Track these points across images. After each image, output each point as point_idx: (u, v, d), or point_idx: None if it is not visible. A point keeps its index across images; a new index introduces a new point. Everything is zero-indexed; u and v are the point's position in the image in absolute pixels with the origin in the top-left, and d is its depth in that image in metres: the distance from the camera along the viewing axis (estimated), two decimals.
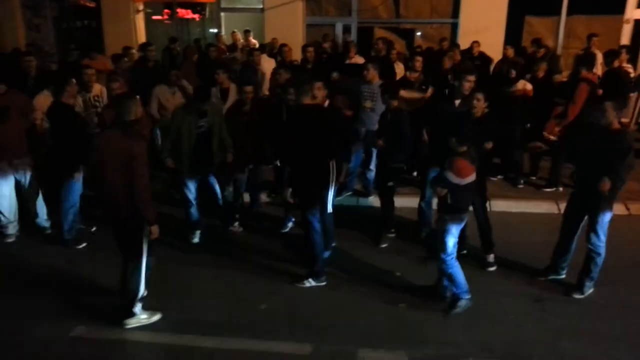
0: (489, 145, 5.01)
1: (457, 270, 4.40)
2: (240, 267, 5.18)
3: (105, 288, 4.70)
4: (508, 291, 4.76)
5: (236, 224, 5.95)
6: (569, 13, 10.44)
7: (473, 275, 4.98)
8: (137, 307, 4.19)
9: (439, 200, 4.45)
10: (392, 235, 5.78)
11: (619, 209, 6.43)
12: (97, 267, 5.09)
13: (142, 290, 4.18)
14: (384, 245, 5.62)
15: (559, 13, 10.48)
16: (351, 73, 7.28)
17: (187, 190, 5.53)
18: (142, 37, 12.08)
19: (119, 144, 3.89)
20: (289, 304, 4.56)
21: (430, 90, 6.74)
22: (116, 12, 11.80)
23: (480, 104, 4.90)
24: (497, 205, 6.37)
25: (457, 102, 5.38)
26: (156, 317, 4.27)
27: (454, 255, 4.39)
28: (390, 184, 5.57)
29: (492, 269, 5.14)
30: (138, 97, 4.25)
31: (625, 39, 10.16)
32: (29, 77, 5.70)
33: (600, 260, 4.61)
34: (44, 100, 5.64)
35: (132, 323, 4.17)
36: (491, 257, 5.19)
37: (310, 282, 4.83)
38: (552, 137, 6.82)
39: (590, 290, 4.66)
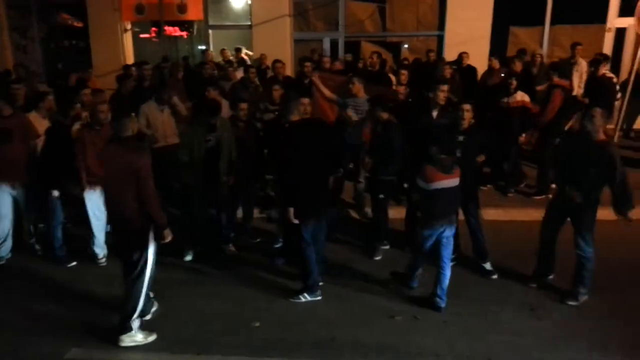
0: (481, 158, 5.08)
1: (417, 264, 4.83)
2: (234, 284, 5.16)
3: (100, 308, 4.68)
4: (503, 300, 4.78)
5: (231, 245, 5.87)
6: (552, 23, 10.62)
7: (468, 285, 5.04)
8: (135, 323, 4.15)
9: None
10: (386, 247, 5.79)
11: (607, 214, 6.48)
12: (90, 287, 5.06)
13: (142, 305, 4.16)
14: (377, 258, 5.63)
15: (542, 23, 10.66)
16: None
17: (194, 205, 5.57)
18: (130, 56, 12.10)
19: (121, 159, 4.02)
20: (284, 320, 4.54)
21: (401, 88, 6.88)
22: (104, 31, 11.80)
23: (468, 115, 4.97)
24: (488, 214, 6.40)
25: (435, 113, 5.47)
26: (151, 337, 4.23)
27: (420, 254, 4.72)
28: (382, 196, 5.58)
29: (494, 276, 5.17)
30: (133, 114, 4.35)
31: (608, 47, 10.34)
32: (15, 103, 5.69)
33: (590, 265, 4.66)
34: (33, 121, 5.64)
35: (126, 341, 4.12)
36: (488, 265, 5.23)
37: (305, 297, 4.81)
38: (527, 147, 6.99)
39: (585, 297, 4.70)
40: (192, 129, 5.52)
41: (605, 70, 8.00)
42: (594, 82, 7.65)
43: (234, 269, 5.47)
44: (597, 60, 7.75)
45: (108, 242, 5.60)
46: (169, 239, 4.20)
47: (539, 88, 7.75)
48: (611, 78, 8.11)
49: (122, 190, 4.01)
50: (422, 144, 4.77)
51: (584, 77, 8.80)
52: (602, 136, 4.48)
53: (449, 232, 4.58)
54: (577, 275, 4.71)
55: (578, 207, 4.57)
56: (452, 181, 4.50)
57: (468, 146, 4.97)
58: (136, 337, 4.15)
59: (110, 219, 4.36)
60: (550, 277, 5.02)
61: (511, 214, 6.60)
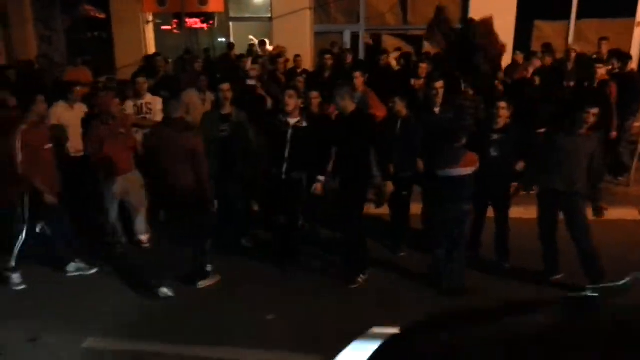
0: (520, 165, 5.00)
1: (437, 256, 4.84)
2: (248, 277, 5.17)
3: (118, 297, 4.76)
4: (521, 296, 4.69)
5: (246, 238, 5.87)
6: (578, 17, 10.35)
7: (486, 281, 4.98)
8: (209, 267, 4.94)
9: None
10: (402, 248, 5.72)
11: (631, 213, 6.34)
12: (108, 277, 5.12)
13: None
14: (402, 254, 5.60)
15: (568, 17, 10.40)
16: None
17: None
18: (151, 47, 12.18)
19: (176, 140, 4.50)
20: (299, 314, 4.53)
21: None
22: (126, 22, 11.90)
23: (504, 113, 4.90)
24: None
25: (437, 109, 5.39)
26: (217, 277, 5.04)
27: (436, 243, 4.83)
28: (405, 193, 5.51)
29: (511, 274, 5.11)
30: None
31: (637, 42, 10.06)
32: (46, 88, 5.78)
33: (593, 253, 4.58)
34: (61, 111, 5.75)
35: (202, 285, 4.91)
36: (507, 264, 5.20)
37: (362, 277, 4.93)
38: None
39: None
40: (207, 119, 5.52)
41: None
42: (624, 77, 7.43)
43: (249, 262, 5.48)
44: (626, 55, 7.55)
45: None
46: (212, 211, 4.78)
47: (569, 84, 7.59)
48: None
49: (181, 167, 4.49)
50: (429, 139, 5.05)
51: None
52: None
53: (456, 218, 4.64)
54: (589, 271, 4.63)
55: (569, 199, 4.60)
56: (458, 170, 4.56)
57: (503, 144, 4.90)
58: (211, 280, 4.95)
59: (170, 194, 4.73)
60: (558, 276, 4.94)
61: (531, 212, 6.45)
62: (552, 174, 4.69)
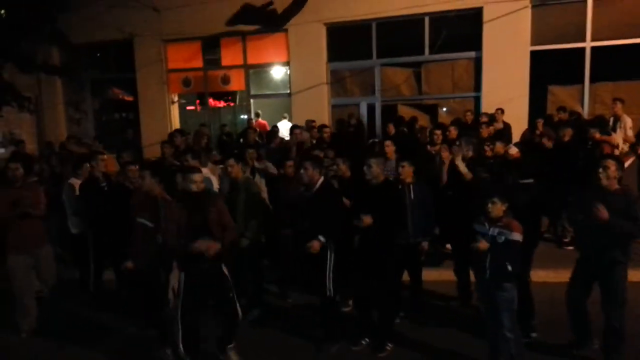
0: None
1: None
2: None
3: None
4: None
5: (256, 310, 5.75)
6: (592, 80, 10.45)
7: None
8: None
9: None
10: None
11: (635, 275, 5.94)
12: None
13: None
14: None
15: (582, 81, 10.50)
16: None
17: None
18: (176, 125, 12.68)
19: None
20: None
21: None
22: (153, 104, 12.51)
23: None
24: None
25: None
26: None
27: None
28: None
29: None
30: None
31: None
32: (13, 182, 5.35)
33: (622, 332, 4.18)
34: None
35: None
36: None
37: (390, 346, 4.82)
38: None
39: None
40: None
41: None
42: None
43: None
44: None
45: None
46: None
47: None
48: None
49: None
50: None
51: (630, 132, 8.55)
52: (616, 185, 4.19)
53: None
54: (609, 348, 4.23)
55: (606, 267, 4.19)
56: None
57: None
58: None
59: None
60: (596, 345, 4.56)
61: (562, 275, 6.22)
62: (583, 237, 4.37)
